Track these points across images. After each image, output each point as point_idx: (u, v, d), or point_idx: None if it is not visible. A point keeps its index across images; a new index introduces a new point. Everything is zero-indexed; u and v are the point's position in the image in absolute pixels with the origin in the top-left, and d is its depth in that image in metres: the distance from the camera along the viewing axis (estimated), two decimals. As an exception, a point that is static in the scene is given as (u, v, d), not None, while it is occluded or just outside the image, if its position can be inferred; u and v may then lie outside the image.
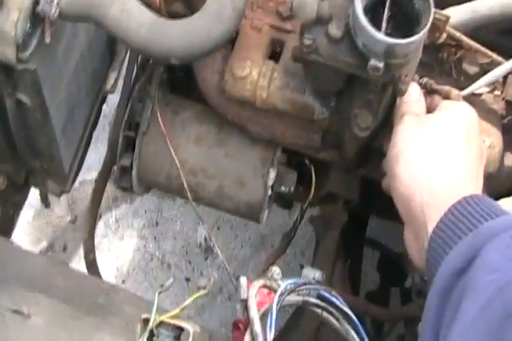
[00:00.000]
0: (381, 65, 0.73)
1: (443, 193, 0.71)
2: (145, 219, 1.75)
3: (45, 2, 0.76)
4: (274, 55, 0.93)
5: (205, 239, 1.72)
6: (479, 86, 0.86)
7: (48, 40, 0.78)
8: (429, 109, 0.82)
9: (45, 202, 1.14)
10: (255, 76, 0.89)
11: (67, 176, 1.07)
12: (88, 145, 1.09)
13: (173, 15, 0.90)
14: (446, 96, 0.82)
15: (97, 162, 1.20)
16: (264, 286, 0.78)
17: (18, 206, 1.18)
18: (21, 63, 0.78)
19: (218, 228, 1.72)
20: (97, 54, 1.02)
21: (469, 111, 0.78)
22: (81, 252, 1.61)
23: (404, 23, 0.76)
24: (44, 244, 1.66)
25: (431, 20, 0.73)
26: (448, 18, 0.83)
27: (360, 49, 0.74)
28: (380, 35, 0.71)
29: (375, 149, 0.93)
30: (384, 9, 0.74)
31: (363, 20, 0.71)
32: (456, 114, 0.77)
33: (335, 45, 0.75)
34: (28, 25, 0.76)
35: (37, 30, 0.78)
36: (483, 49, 0.90)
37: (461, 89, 0.90)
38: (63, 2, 0.76)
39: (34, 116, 0.90)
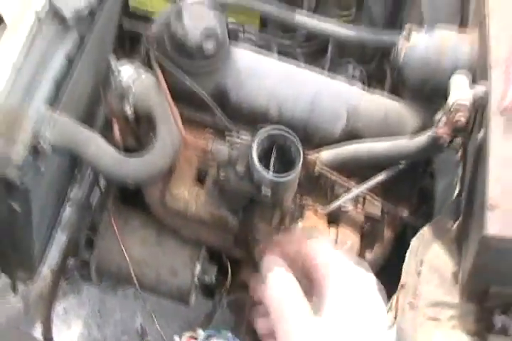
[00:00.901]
0: (269, 192, 1.11)
1: None
2: (90, 309, 1.99)
3: (43, 142, 1.06)
4: (201, 178, 1.27)
5: (141, 325, 1.97)
6: (337, 205, 1.25)
7: (43, 169, 1.10)
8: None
9: (14, 288, 1.39)
10: (186, 194, 1.24)
11: (35, 266, 1.31)
12: (49, 241, 1.36)
13: (127, 148, 1.25)
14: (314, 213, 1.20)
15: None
16: (190, 338, 1.04)
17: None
18: (21, 183, 1.05)
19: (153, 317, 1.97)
20: (63, 171, 1.31)
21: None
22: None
23: (287, 162, 1.14)
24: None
25: (300, 165, 1.10)
26: (317, 158, 1.23)
27: (256, 182, 1.12)
28: (268, 175, 1.09)
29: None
30: (272, 154, 1.13)
31: (256, 164, 1.09)
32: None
33: (240, 179, 1.13)
34: (30, 156, 1.05)
35: (35, 161, 1.07)
36: (342, 179, 1.27)
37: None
38: (54, 142, 1.08)
39: (20, 219, 1.14)
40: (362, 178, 1.27)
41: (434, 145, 1.15)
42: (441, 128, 1.10)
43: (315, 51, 1.59)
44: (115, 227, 1.32)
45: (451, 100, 1.08)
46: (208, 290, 1.42)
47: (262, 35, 1.53)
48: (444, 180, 1.37)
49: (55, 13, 1.14)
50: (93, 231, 1.35)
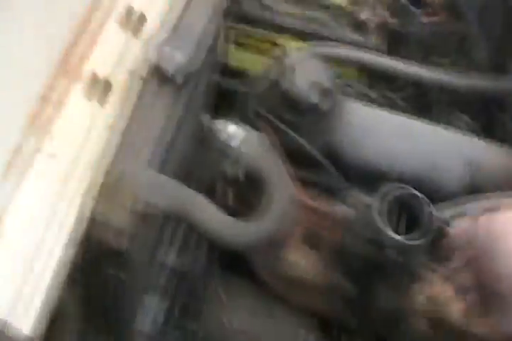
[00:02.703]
0: (395, 255, 1.00)
1: None
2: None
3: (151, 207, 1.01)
4: (309, 241, 1.16)
5: None
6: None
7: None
8: None
9: None
10: (303, 261, 1.14)
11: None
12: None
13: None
14: None
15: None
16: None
17: None
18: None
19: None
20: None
21: None
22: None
23: (411, 225, 1.04)
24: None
25: (430, 233, 0.99)
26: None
27: (383, 245, 1.01)
28: (396, 237, 0.99)
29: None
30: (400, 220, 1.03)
31: (383, 225, 0.99)
32: None
33: (364, 242, 1.03)
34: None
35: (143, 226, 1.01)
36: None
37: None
38: (163, 205, 1.02)
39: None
40: None
41: None
42: None
43: (421, 102, 1.51)
44: (222, 298, 1.23)
45: None
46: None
47: (367, 88, 1.46)
48: None
49: (160, 74, 1.10)
50: (193, 299, 1.27)
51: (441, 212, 1.11)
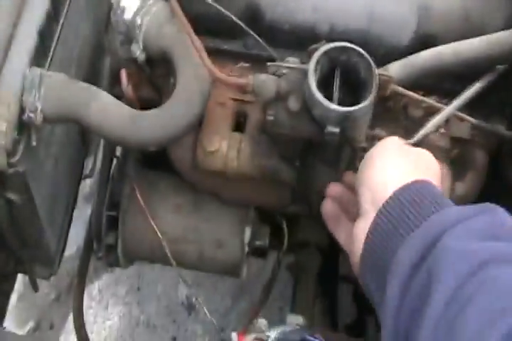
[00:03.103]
0: (337, 130, 0.81)
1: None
2: (127, 285, 1.75)
3: (30, 111, 0.80)
4: (240, 125, 0.99)
5: (187, 296, 1.75)
6: (425, 133, 0.94)
7: (34, 143, 0.83)
8: None
9: (34, 286, 1.15)
10: (224, 149, 0.95)
11: (53, 259, 1.10)
12: (69, 227, 1.14)
13: (144, 101, 0.98)
14: None
15: (74, 238, 1.23)
16: (256, 339, 0.83)
17: (7, 294, 1.21)
18: (11, 167, 0.81)
19: (198, 284, 1.75)
20: (72, 143, 1.08)
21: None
22: (68, 328, 1.63)
23: (354, 88, 0.85)
24: (31, 324, 1.64)
25: (375, 87, 0.82)
26: (391, 77, 0.92)
27: (317, 119, 0.82)
28: (333, 106, 0.79)
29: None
30: (335, 79, 0.83)
31: (317, 95, 0.79)
32: (421, 152, 0.83)
33: (294, 117, 0.84)
34: (16, 132, 0.80)
35: (23, 136, 0.82)
36: (422, 98, 0.99)
37: (411, 132, 0.99)
38: (46, 108, 0.81)
39: (23, 212, 0.93)
40: (441, 94, 1.03)
41: None
42: None
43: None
44: (140, 197, 1.04)
45: None
46: (261, 251, 1.22)
47: None
48: None
49: None
50: (115, 207, 1.07)
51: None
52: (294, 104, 0.83)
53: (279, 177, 0.97)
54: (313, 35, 0.98)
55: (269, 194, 1.03)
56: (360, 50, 0.83)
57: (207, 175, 0.99)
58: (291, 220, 1.14)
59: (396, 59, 0.98)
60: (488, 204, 0.70)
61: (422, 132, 0.94)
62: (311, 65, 0.80)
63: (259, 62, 0.98)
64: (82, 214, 1.28)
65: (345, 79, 0.84)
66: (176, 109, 0.86)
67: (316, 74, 0.81)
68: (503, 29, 0.98)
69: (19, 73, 0.81)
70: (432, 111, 0.99)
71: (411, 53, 0.98)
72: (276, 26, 0.98)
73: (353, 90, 0.85)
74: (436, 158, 1.00)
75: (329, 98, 0.81)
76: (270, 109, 0.84)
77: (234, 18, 0.94)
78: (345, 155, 0.91)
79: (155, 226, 1.04)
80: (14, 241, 1.00)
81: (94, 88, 0.84)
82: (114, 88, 0.99)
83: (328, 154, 0.91)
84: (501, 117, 1.04)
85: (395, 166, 0.76)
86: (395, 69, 0.97)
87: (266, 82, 0.83)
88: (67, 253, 1.15)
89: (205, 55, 0.88)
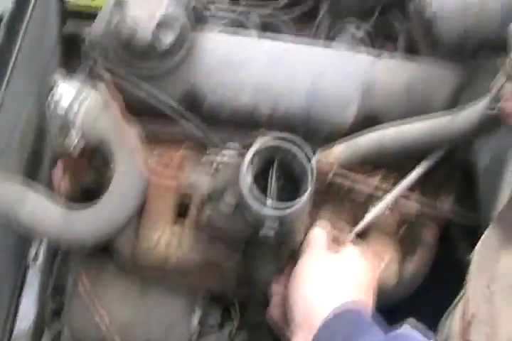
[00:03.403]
0: (271, 232, 0.80)
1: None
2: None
3: None
4: (184, 208, 0.97)
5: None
6: (365, 224, 0.94)
7: None
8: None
9: None
10: (163, 245, 0.94)
11: None
12: (16, 312, 1.11)
13: (86, 187, 0.97)
14: (336, 240, 0.89)
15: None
16: None
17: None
18: None
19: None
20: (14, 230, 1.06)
21: (360, 260, 0.86)
22: None
23: (294, 178, 0.85)
24: None
25: (312, 183, 0.80)
26: (332, 165, 0.92)
27: (251, 220, 0.81)
28: (266, 210, 0.78)
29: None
30: (271, 175, 0.82)
31: (249, 198, 0.78)
32: (350, 258, 0.85)
33: (229, 217, 0.83)
34: None
35: None
36: (366, 180, 0.98)
37: (357, 214, 0.99)
38: None
39: None
40: (388, 170, 1.02)
41: (492, 124, 0.85)
42: (507, 104, 0.77)
43: (304, 16, 1.26)
44: (85, 282, 1.02)
45: None
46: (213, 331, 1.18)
47: (234, 7, 1.20)
48: (489, 157, 1.08)
49: None
50: (60, 292, 1.05)
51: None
52: (229, 202, 0.82)
53: (221, 269, 0.96)
54: (254, 118, 0.98)
55: (213, 281, 1.01)
56: (297, 145, 0.82)
57: (146, 267, 0.98)
58: (244, 300, 1.11)
59: (341, 137, 0.98)
60: (403, 332, 0.71)
61: (362, 224, 0.93)
62: (244, 165, 0.79)
63: (201, 146, 0.98)
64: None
65: (284, 170, 0.84)
66: (110, 206, 0.85)
67: (252, 169, 0.80)
68: (448, 104, 0.99)
69: None
70: (379, 190, 0.99)
71: (356, 130, 0.98)
72: (216, 109, 0.98)
73: (293, 180, 0.85)
74: (387, 240, 1.00)
75: (265, 192, 0.80)
76: (205, 208, 0.83)
77: (173, 103, 0.94)
78: (284, 253, 0.90)
79: (102, 312, 1.02)
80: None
81: (24, 189, 0.84)
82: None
83: (267, 252, 0.90)
84: (449, 192, 1.03)
85: (324, 286, 0.78)
86: (339, 150, 0.97)
87: (200, 180, 0.82)
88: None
89: (140, 148, 0.87)
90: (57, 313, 1.07)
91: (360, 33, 1.22)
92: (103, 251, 1.07)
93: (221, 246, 0.92)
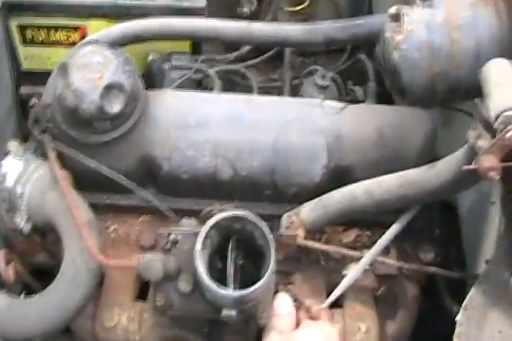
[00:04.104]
0: (233, 313, 0.74)
1: None
2: None
3: None
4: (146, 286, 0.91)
5: None
6: (337, 295, 0.87)
7: None
8: (297, 322, 0.82)
9: None
10: (124, 322, 0.88)
11: None
12: None
13: (39, 267, 0.92)
14: (308, 311, 0.82)
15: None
16: None
17: None
18: None
19: None
20: None
21: (328, 330, 0.79)
22: None
23: (253, 252, 0.78)
24: None
25: (273, 258, 0.74)
26: (295, 236, 0.86)
27: (211, 301, 0.75)
28: (224, 292, 0.71)
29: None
30: (229, 252, 0.76)
31: (206, 280, 0.72)
32: (315, 333, 0.78)
33: (186, 298, 0.76)
34: None
35: None
36: (333, 248, 0.93)
37: (332, 272, 0.93)
38: None
39: None
40: (360, 228, 0.98)
41: (469, 180, 0.79)
42: (486, 159, 0.68)
43: (269, 63, 1.23)
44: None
45: (494, 109, 0.68)
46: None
47: (196, 57, 1.16)
48: (471, 201, 1.03)
49: None
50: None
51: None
52: (185, 284, 0.76)
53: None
54: (214, 182, 0.93)
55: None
56: (253, 218, 0.76)
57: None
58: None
59: (310, 194, 0.92)
60: None
61: (335, 293, 0.87)
62: (198, 245, 0.73)
63: (158, 215, 0.93)
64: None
65: (243, 245, 0.78)
66: (59, 293, 0.78)
67: (207, 250, 0.74)
68: (423, 149, 0.94)
69: None
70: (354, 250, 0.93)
71: (325, 187, 0.92)
72: (174, 176, 0.92)
73: (254, 251, 0.78)
74: (364, 304, 0.94)
75: (223, 268, 0.74)
76: (159, 291, 0.77)
77: (120, 176, 0.89)
78: (252, 328, 0.84)
79: None
80: None
81: None
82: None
83: (233, 329, 0.84)
84: (429, 244, 0.97)
85: None
86: (307, 212, 0.91)
87: (152, 262, 0.76)
88: None
89: (91, 230, 0.82)
90: None
91: (325, 81, 1.18)
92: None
93: (183, 328, 0.86)
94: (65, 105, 0.88)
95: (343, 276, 0.89)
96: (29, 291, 0.84)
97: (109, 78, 0.87)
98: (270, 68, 1.28)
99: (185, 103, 0.95)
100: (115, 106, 0.87)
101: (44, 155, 0.90)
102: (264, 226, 0.75)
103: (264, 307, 0.77)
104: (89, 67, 0.88)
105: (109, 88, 0.87)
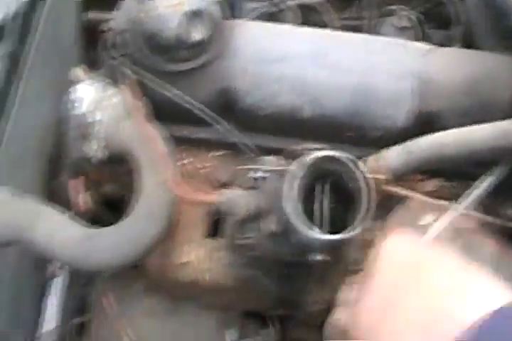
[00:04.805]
0: (321, 257, 0.70)
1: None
2: None
3: None
4: (215, 224, 0.88)
5: None
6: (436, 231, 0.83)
7: None
8: None
9: None
10: (195, 260, 0.85)
11: None
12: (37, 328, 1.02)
13: (109, 197, 0.88)
14: None
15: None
16: None
17: None
18: None
19: None
20: None
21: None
22: None
23: (342, 194, 0.74)
24: None
25: (367, 206, 0.70)
26: (381, 181, 0.81)
27: (299, 244, 0.71)
28: (317, 235, 0.68)
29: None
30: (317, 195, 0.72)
31: (297, 222, 0.68)
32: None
33: (271, 239, 0.73)
34: None
35: None
36: (419, 196, 0.87)
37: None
38: None
39: None
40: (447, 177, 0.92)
41: None
42: None
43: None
44: (110, 300, 0.93)
45: None
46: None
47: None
48: None
49: None
50: (83, 312, 0.97)
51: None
52: (270, 224, 0.72)
53: (259, 288, 0.86)
54: (295, 120, 0.88)
55: (250, 300, 0.91)
56: (352, 161, 0.71)
57: (179, 284, 0.89)
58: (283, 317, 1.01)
59: (393, 141, 0.87)
60: None
61: (432, 231, 0.82)
62: (289, 184, 0.68)
63: (233, 150, 0.89)
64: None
65: (334, 187, 0.73)
66: (135, 226, 0.75)
67: (299, 189, 0.70)
68: None
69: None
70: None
71: (410, 134, 0.87)
72: (253, 111, 0.88)
73: (342, 197, 0.74)
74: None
75: (311, 214, 0.70)
76: (241, 230, 0.73)
77: (202, 107, 0.84)
78: (335, 271, 0.80)
79: (128, 331, 0.94)
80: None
81: (40, 206, 0.74)
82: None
83: (313, 272, 0.80)
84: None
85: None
86: (391, 158, 0.85)
87: (237, 199, 0.72)
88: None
89: (167, 162, 0.77)
90: (79, 330, 0.98)
91: (404, 22, 1.11)
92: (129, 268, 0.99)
93: (258, 267, 0.83)
94: (143, 31, 0.84)
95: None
96: (95, 222, 0.83)
97: (191, 4, 0.82)
98: (344, 5, 1.20)
99: (269, 35, 0.90)
100: (196, 34, 0.83)
101: (117, 83, 0.85)
102: (361, 168, 0.71)
103: (354, 254, 0.73)
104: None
105: (191, 15, 0.82)
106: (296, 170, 0.69)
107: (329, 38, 0.91)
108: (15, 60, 0.85)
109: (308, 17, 1.15)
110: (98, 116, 0.80)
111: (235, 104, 0.88)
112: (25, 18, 0.89)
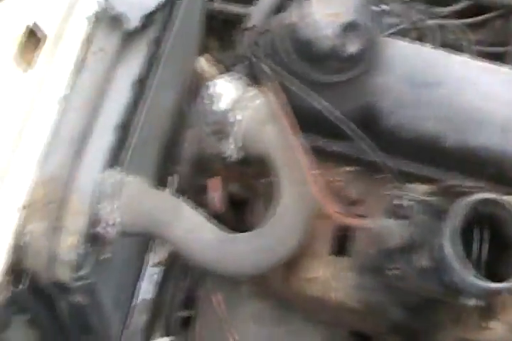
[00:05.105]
0: (474, 302, 0.68)
1: None
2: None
3: (105, 225, 0.71)
4: (342, 242, 0.87)
5: None
6: None
7: (104, 256, 0.73)
8: None
9: None
10: (324, 277, 0.84)
11: None
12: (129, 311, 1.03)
13: (231, 196, 0.88)
14: None
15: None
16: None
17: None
18: (78, 281, 0.72)
19: None
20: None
21: None
22: None
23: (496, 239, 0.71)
24: None
25: None
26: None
27: (449, 284, 0.69)
28: (475, 280, 0.66)
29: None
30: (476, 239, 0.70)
31: (454, 262, 0.66)
32: None
33: (422, 275, 0.71)
34: (85, 246, 0.71)
35: (95, 247, 0.72)
36: None
37: None
38: (124, 222, 0.71)
39: (88, 310, 0.83)
40: None
41: None
42: None
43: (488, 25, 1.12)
44: (218, 299, 0.93)
45: None
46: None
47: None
48: None
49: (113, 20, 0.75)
50: (188, 306, 0.97)
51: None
52: (424, 260, 0.70)
53: (382, 313, 0.85)
54: (436, 147, 0.85)
55: (366, 322, 0.90)
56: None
57: (303, 298, 0.88)
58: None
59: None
60: None
61: None
62: (452, 222, 0.66)
63: (366, 168, 0.87)
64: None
65: (488, 231, 0.71)
66: (275, 235, 0.75)
67: (459, 230, 0.68)
68: None
69: (94, 177, 0.71)
70: None
71: None
72: (395, 133, 0.86)
73: (496, 241, 0.71)
74: None
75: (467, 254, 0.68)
76: (392, 260, 0.72)
77: (348, 122, 0.83)
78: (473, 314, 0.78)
79: (233, 331, 0.94)
80: (75, 331, 0.92)
81: (177, 201, 0.74)
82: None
83: (453, 311, 0.78)
84: None
85: None
86: None
87: (391, 228, 0.71)
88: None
89: (308, 170, 0.76)
90: (182, 328, 0.99)
91: None
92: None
93: (386, 295, 0.81)
94: (296, 36, 0.82)
95: None
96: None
97: (348, 16, 0.81)
98: (486, 30, 1.17)
99: (421, 58, 0.88)
100: (351, 47, 0.82)
101: (255, 81, 0.84)
102: None
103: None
104: (329, 2, 0.82)
105: (348, 26, 0.81)
106: (458, 210, 0.67)
107: (481, 68, 0.90)
108: (158, 46, 0.85)
109: (444, 38, 1.13)
110: (239, 116, 0.80)
111: (376, 122, 0.86)
112: (172, 6, 0.89)
